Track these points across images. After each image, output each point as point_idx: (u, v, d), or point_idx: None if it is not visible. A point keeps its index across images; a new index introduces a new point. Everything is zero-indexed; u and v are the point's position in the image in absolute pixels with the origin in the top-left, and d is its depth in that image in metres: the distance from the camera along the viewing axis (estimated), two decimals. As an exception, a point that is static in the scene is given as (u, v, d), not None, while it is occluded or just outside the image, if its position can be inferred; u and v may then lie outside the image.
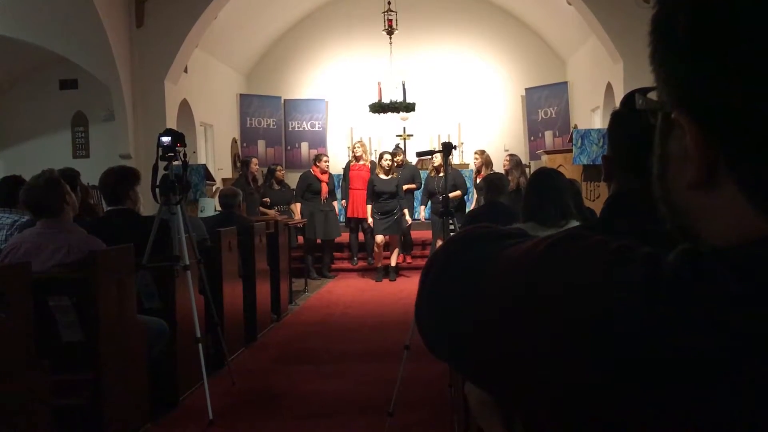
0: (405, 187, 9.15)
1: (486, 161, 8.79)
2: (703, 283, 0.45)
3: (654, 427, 0.44)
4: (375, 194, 8.82)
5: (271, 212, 8.85)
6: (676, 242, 0.51)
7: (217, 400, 4.09)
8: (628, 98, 1.38)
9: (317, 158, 9.66)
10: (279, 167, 9.91)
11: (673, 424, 0.43)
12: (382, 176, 8.87)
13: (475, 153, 9.13)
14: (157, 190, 4.24)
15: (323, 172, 9.42)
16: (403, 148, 11.04)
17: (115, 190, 4.28)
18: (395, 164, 9.23)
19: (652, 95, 0.55)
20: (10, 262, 3.34)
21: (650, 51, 0.52)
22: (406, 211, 8.95)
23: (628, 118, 1.30)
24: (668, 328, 0.44)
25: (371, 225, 8.99)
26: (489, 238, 0.62)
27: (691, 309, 0.44)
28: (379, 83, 12.50)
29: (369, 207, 8.90)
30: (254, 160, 9.65)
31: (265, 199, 9.24)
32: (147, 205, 6.19)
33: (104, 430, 3.37)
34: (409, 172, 9.47)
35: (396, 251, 9.24)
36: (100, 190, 4.56)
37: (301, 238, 9.39)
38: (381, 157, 9.10)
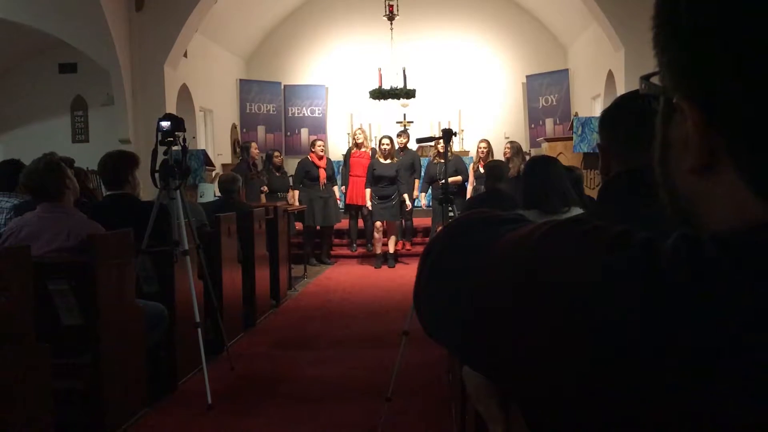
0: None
1: (489, 150, 8.77)
2: (702, 272, 0.44)
3: (653, 417, 0.44)
4: (374, 179, 8.81)
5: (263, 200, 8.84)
6: (672, 225, 0.51)
7: (216, 384, 4.10)
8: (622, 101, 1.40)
9: (312, 144, 9.66)
10: (277, 153, 9.89)
11: (672, 415, 0.43)
12: (382, 161, 8.86)
13: (482, 140, 9.05)
14: (157, 175, 4.23)
15: (320, 157, 9.39)
16: (408, 132, 10.97)
17: (115, 175, 4.27)
18: (397, 146, 9.18)
19: (655, 80, 0.54)
20: (10, 246, 3.34)
21: (653, 35, 0.52)
22: (406, 196, 8.92)
23: (626, 105, 1.30)
24: (667, 319, 0.43)
25: (370, 209, 8.97)
26: (488, 223, 0.62)
27: (690, 299, 0.43)
28: (380, 69, 12.45)
29: (368, 191, 8.89)
30: (254, 145, 9.63)
31: (263, 188, 9.22)
32: (146, 190, 6.18)
33: (103, 414, 3.39)
34: (409, 158, 9.42)
35: (394, 237, 9.24)
36: (99, 174, 4.55)
37: (300, 225, 9.39)
38: (381, 141, 9.09)
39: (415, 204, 9.58)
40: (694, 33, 0.48)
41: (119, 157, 4.34)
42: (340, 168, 9.98)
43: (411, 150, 9.74)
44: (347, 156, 9.64)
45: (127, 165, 4.28)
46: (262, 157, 9.99)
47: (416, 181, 9.12)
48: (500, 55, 13.64)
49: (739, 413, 0.41)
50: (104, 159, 4.33)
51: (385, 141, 8.95)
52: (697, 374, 0.42)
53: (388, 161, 8.86)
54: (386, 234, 9.16)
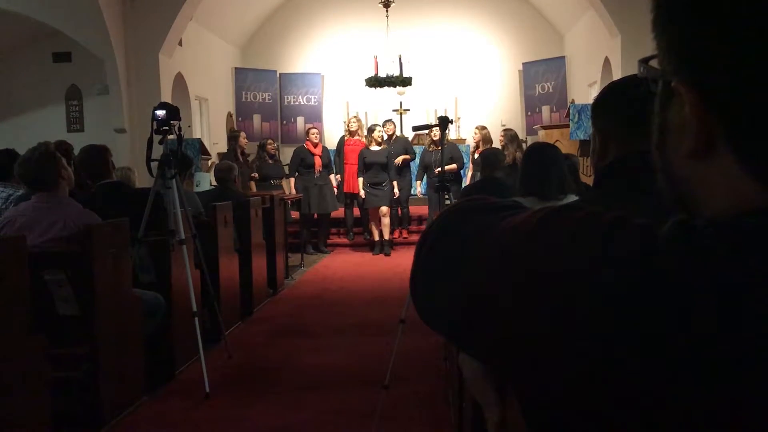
0: (401, 157, 9.13)
1: (485, 138, 8.76)
2: (698, 258, 0.44)
3: (651, 402, 0.44)
4: (365, 166, 8.82)
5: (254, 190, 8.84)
6: (670, 210, 0.51)
7: (214, 373, 4.11)
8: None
9: (307, 132, 9.66)
10: (270, 141, 9.86)
11: (668, 398, 0.43)
12: (373, 147, 8.88)
13: (476, 128, 9.09)
14: (153, 163, 4.22)
15: (315, 145, 9.38)
16: (393, 121, 10.95)
17: (98, 168, 4.31)
18: (385, 136, 9.21)
19: (654, 63, 0.54)
20: (5, 236, 3.33)
21: (652, 18, 0.52)
22: (395, 183, 8.95)
23: (625, 89, 1.29)
24: (665, 305, 0.43)
25: (362, 197, 9.00)
26: (483, 210, 0.61)
27: (687, 285, 0.43)
28: (376, 57, 12.40)
29: (360, 180, 8.91)
30: (242, 134, 9.61)
31: (253, 175, 9.21)
32: (142, 178, 6.16)
33: (101, 404, 3.40)
34: (401, 145, 9.45)
35: (389, 225, 9.23)
36: (83, 170, 4.53)
37: (296, 214, 9.37)
38: (372, 129, 9.10)
39: (412, 192, 9.59)
40: (692, 16, 0.48)
41: (94, 150, 4.39)
42: (334, 156, 9.95)
43: (402, 137, 9.73)
44: (340, 144, 9.58)
45: (102, 156, 4.34)
46: (250, 144, 9.93)
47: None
48: (496, 42, 13.60)
49: (739, 397, 0.41)
50: (82, 155, 4.39)
51: (378, 129, 9.03)
52: (695, 358, 0.42)
53: (378, 148, 8.88)
54: (382, 221, 9.18)
